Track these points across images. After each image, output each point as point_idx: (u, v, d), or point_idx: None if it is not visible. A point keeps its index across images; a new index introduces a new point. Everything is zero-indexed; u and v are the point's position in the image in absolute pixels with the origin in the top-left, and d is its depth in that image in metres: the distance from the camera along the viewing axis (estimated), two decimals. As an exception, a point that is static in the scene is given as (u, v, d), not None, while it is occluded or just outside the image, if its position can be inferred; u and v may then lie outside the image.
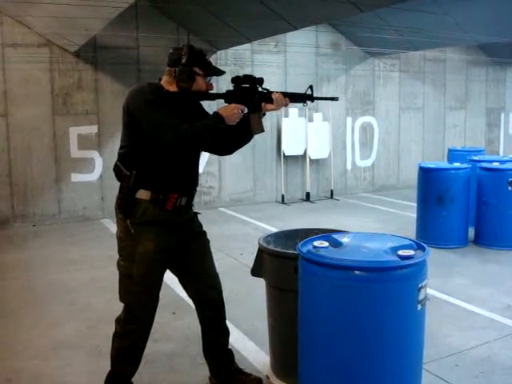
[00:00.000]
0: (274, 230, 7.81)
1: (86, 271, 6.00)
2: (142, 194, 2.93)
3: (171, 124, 2.83)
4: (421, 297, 2.69)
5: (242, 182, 9.77)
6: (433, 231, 6.75)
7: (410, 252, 2.75)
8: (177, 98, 2.99)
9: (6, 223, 8.24)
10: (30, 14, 7.39)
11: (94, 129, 8.74)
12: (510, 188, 6.46)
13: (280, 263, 3.26)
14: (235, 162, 9.65)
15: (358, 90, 10.77)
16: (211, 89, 3.10)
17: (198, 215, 3.32)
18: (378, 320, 2.62)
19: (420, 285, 2.69)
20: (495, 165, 6.84)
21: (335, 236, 3.07)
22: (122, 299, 3.05)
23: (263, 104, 3.18)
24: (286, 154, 9.92)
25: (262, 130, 3.24)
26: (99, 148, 8.78)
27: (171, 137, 2.82)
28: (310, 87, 3.39)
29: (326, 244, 2.94)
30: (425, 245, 2.91)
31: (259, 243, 3.49)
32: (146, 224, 2.93)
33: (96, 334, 4.29)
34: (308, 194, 10.19)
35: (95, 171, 8.80)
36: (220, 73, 3.12)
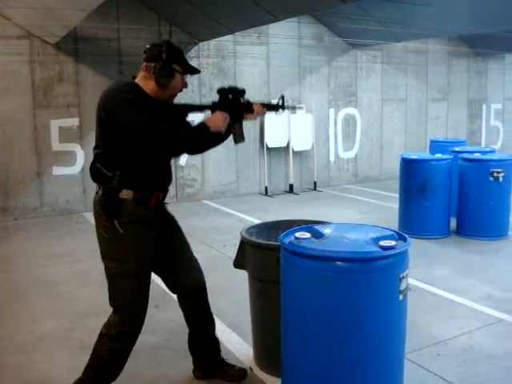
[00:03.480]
0: (258, 221, 7.84)
1: (69, 265, 5.96)
2: (126, 194, 2.88)
3: (154, 125, 2.79)
4: (402, 287, 2.71)
5: (225, 175, 9.75)
6: (415, 222, 6.80)
7: (392, 242, 2.76)
8: (163, 107, 2.98)
9: (-14, 217, 8.16)
10: (9, 6, 7.29)
11: (75, 121, 8.66)
12: (491, 178, 6.52)
13: (262, 255, 3.26)
14: (218, 155, 9.61)
15: (340, 82, 10.78)
16: (186, 87, 3.08)
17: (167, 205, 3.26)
18: (360, 310, 2.63)
19: (401, 275, 2.70)
20: (477, 156, 6.89)
21: (317, 227, 3.08)
22: (113, 302, 3.00)
23: (244, 114, 3.25)
24: (269, 145, 9.91)
25: (244, 139, 3.35)
26: (81, 141, 8.70)
27: (153, 138, 2.79)
28: (282, 97, 3.52)
29: (308, 235, 2.94)
30: (406, 235, 2.92)
31: (241, 235, 3.48)
32: (133, 223, 2.90)
33: (80, 327, 4.27)
34: (291, 186, 10.21)
35: (77, 164, 8.72)
36: (196, 71, 3.12)
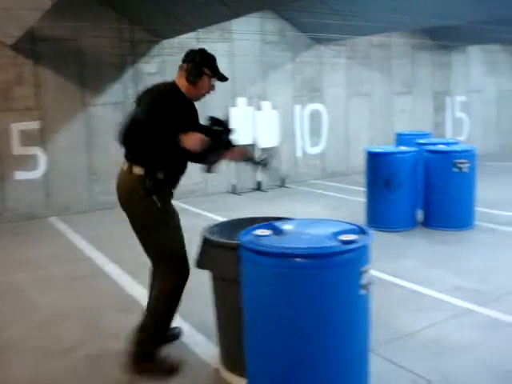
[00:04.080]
0: (223, 220, 7.77)
1: (32, 271, 5.79)
2: (160, 175, 3.34)
3: (144, 111, 3.21)
4: (364, 281, 2.67)
5: (192, 174, 9.55)
6: (382, 215, 6.82)
7: (352, 237, 2.72)
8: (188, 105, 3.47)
9: None
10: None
11: (36, 124, 8.46)
12: (455, 169, 6.56)
13: (223, 254, 3.19)
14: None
15: (305, 78, 10.76)
16: (213, 90, 3.51)
17: None
18: (321, 306, 2.59)
19: (362, 269, 2.66)
20: (440, 147, 6.93)
21: (277, 224, 3.03)
22: (162, 254, 3.43)
23: (224, 151, 3.57)
24: (235, 143, 9.81)
25: (216, 172, 3.69)
26: (43, 144, 8.51)
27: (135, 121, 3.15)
28: (265, 159, 4.09)
29: (268, 232, 2.89)
30: (367, 228, 2.88)
31: (202, 234, 3.41)
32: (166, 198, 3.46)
33: (44, 334, 4.16)
34: (259, 183, 10.16)
35: (39, 168, 8.52)
36: (224, 79, 3.51)
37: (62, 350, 3.85)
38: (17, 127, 8.32)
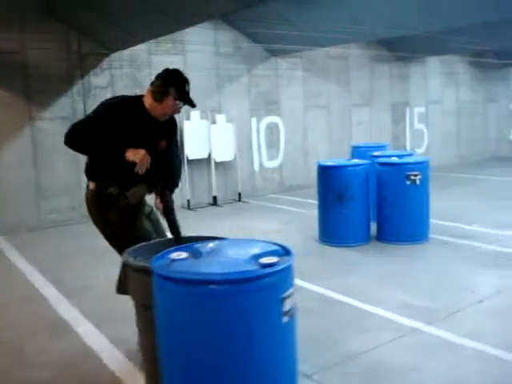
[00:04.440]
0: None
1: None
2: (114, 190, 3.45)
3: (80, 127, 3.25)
4: (286, 308, 2.45)
5: (145, 189, 9.34)
6: (334, 230, 6.64)
7: (273, 259, 2.50)
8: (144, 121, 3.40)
9: None
10: None
11: (-23, 140, 8.09)
12: (407, 182, 6.43)
13: (142, 278, 2.94)
14: (137, 169, 9.23)
15: (261, 90, 10.59)
16: (177, 113, 3.46)
17: None
18: (239, 336, 2.37)
19: (284, 295, 2.44)
20: (393, 159, 6.80)
21: (197, 246, 2.81)
22: (128, 241, 3.33)
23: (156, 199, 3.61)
24: (190, 157, 9.59)
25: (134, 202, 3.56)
26: (-15, 158, 8.15)
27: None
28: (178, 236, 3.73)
29: (184, 255, 2.66)
30: (290, 249, 2.67)
31: (122, 256, 3.17)
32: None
33: None
34: (215, 198, 9.92)
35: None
36: (191, 104, 3.46)
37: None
38: (-43, 144, 7.96)
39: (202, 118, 9.65)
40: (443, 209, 7.84)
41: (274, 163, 10.91)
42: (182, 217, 8.84)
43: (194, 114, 9.58)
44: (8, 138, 8.29)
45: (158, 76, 3.38)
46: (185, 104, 3.43)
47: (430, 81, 13.93)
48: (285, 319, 2.45)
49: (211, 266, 2.49)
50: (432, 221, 6.83)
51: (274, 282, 2.41)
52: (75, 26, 8.43)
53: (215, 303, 2.35)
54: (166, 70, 3.42)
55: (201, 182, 9.93)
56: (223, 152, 9.95)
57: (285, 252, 2.67)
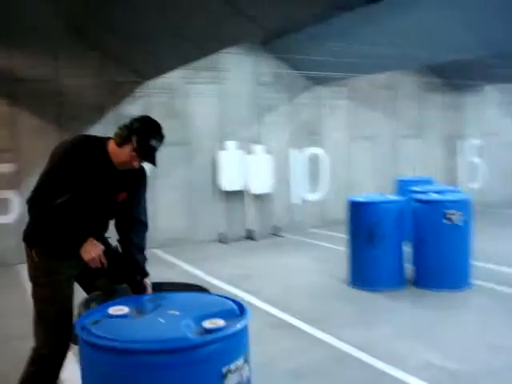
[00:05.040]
0: (198, 273, 7.13)
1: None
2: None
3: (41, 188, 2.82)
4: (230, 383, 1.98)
5: (178, 221, 9.06)
6: (364, 272, 6.07)
7: (219, 323, 2.05)
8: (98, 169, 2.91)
9: None
10: None
11: (10, 167, 8.04)
12: (444, 221, 5.80)
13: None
14: (170, 199, 8.97)
15: (303, 120, 10.16)
16: (133, 167, 2.90)
17: None
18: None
19: (226, 368, 1.98)
20: (430, 196, 6.19)
21: (146, 298, 2.41)
22: (38, 318, 2.92)
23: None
24: (224, 189, 9.24)
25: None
26: (17, 187, 8.06)
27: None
28: None
29: (124, 311, 2.25)
30: (247, 309, 2.21)
31: (79, 305, 2.79)
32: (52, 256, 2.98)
33: None
34: (250, 232, 9.49)
35: (12, 212, 8.06)
36: (148, 159, 2.86)
37: None
38: (-8, 169, 7.93)
39: (238, 148, 9.31)
40: (493, 251, 7.11)
41: (315, 196, 10.40)
42: (214, 251, 8.64)
43: (230, 144, 9.26)
44: (39, 165, 8.13)
45: (133, 119, 2.89)
46: (140, 158, 2.84)
47: (486, 111, 13.08)
48: (226, 398, 1.98)
49: (143, 330, 2.07)
50: (478, 264, 6.16)
51: (212, 352, 1.97)
52: (109, 54, 8.34)
53: (136, 377, 1.92)
54: (143, 116, 2.92)
55: (235, 214, 9.53)
56: (260, 184, 9.55)
57: (239, 313, 2.20)
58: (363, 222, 6.03)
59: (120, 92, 8.61)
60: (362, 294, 5.90)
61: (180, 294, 2.61)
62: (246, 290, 6.19)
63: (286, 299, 5.80)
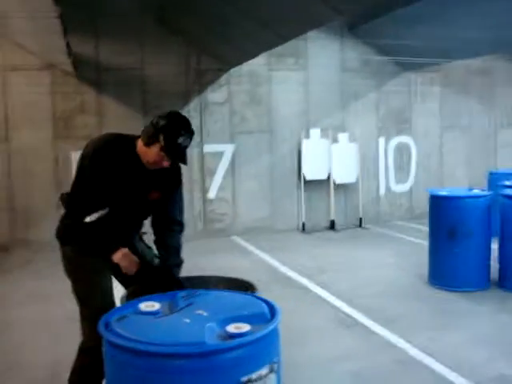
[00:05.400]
0: (273, 262, 7.05)
1: (41, 307, 5.44)
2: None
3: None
4: (248, 395, 1.87)
5: (258, 209, 9.01)
6: (444, 271, 5.70)
7: (244, 328, 1.94)
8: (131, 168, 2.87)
9: (6, 249, 7.94)
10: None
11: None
12: (535, 220, 5.33)
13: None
14: (251, 188, 8.94)
15: (391, 108, 9.74)
16: (161, 166, 2.79)
17: None
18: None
19: (246, 378, 1.86)
20: (521, 191, 5.71)
21: (181, 295, 2.33)
22: (81, 313, 2.95)
23: None
24: (307, 178, 9.07)
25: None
26: (103, 173, 8.35)
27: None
28: None
29: (156, 307, 2.19)
30: (278, 315, 2.08)
31: (121, 298, 2.79)
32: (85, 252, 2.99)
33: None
34: (332, 222, 9.27)
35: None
36: (177, 158, 2.75)
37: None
38: (77, 156, 8.19)
39: (322, 136, 9.10)
40: None
41: (403, 188, 9.98)
42: (293, 241, 8.51)
43: (314, 132, 9.06)
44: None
45: (158, 116, 2.76)
46: (170, 158, 2.74)
47: None
48: (245, 410, 1.87)
49: (163, 330, 1.99)
50: None
51: (230, 359, 1.86)
52: (194, 42, 8.39)
53: (154, 378, 1.85)
54: (170, 113, 2.79)
55: (318, 204, 9.34)
56: (344, 173, 9.29)
57: (269, 317, 2.08)
58: (444, 218, 5.67)
59: (204, 79, 8.65)
60: (441, 294, 5.56)
61: (217, 292, 2.52)
62: (319, 283, 6.04)
63: (359, 295, 5.59)
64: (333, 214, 9.28)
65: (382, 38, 8.66)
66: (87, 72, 8.12)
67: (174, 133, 2.68)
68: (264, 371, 1.93)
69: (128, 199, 2.86)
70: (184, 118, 2.78)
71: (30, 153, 8.06)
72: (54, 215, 8.18)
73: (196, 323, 2.01)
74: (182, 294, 2.34)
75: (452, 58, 8.88)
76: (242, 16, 6.14)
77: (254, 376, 1.89)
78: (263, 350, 1.94)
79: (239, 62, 8.30)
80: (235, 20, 6.34)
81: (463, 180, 9.96)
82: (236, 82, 8.81)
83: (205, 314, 2.10)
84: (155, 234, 3.00)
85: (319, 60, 9.11)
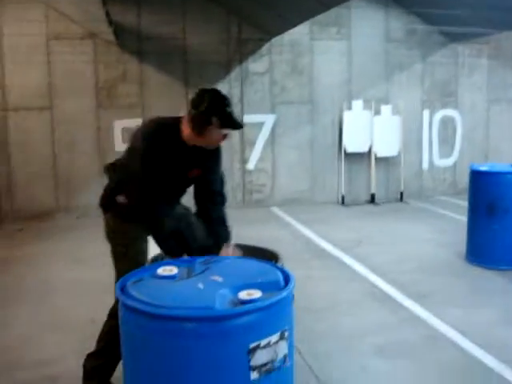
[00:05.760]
0: (309, 235, 7.04)
1: (84, 271, 5.61)
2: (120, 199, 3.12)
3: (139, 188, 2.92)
4: (257, 361, 1.89)
5: (298, 181, 8.97)
6: (482, 248, 5.57)
7: (255, 294, 1.95)
8: (183, 151, 2.97)
9: (50, 215, 8.20)
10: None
11: (138, 122, 8.38)
12: None
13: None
14: (291, 159, 8.90)
15: (437, 80, 9.45)
16: (226, 139, 2.95)
17: None
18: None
19: (253, 344, 1.88)
20: None
21: (199, 261, 2.35)
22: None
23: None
24: (348, 150, 8.96)
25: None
26: (145, 142, 8.46)
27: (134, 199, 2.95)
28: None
29: (173, 271, 2.23)
30: (292, 283, 2.08)
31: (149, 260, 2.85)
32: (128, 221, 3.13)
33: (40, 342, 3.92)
34: (373, 196, 9.15)
35: (140, 165, 8.49)
36: (238, 127, 2.94)
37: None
38: (120, 124, 8.36)
39: (364, 108, 8.94)
40: None
41: (447, 162, 9.73)
42: (332, 213, 8.47)
43: (357, 103, 8.92)
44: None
45: (194, 104, 2.82)
46: (233, 129, 2.93)
47: None
48: (254, 375, 1.89)
49: (176, 294, 2.02)
50: None
51: (238, 325, 1.87)
52: (235, 11, 8.32)
53: (164, 341, 1.89)
54: (200, 96, 2.83)
55: (359, 177, 9.23)
56: (386, 146, 9.12)
57: (283, 285, 2.08)
58: (483, 193, 5.51)
59: (245, 49, 8.60)
60: (477, 271, 5.45)
61: (235, 259, 2.54)
62: (355, 257, 6.00)
63: (394, 269, 5.53)
64: (373, 187, 9.16)
65: (427, 7, 8.37)
66: (129, 41, 8.19)
67: (223, 107, 2.80)
68: (274, 338, 1.94)
69: (171, 178, 2.97)
70: (214, 89, 2.89)
71: (73, 121, 8.23)
72: (96, 182, 8.48)
73: (210, 289, 2.03)
74: (201, 260, 2.37)
75: (502, 29, 8.51)
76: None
77: (263, 342, 1.90)
78: (273, 316, 1.95)
79: (280, 32, 8.20)
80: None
81: (509, 155, 9.61)
82: (277, 51, 8.72)
83: (220, 279, 2.12)
84: (198, 207, 3.12)
85: (363, 30, 8.90)
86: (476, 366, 3.54)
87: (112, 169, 3.20)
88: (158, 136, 2.93)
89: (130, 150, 3.05)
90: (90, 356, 3.06)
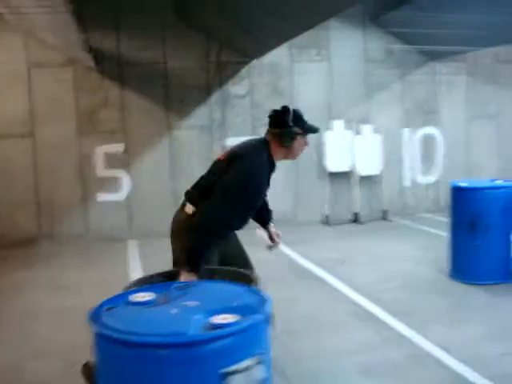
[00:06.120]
0: (292, 255, 7.02)
1: (67, 298, 5.55)
2: None
3: (222, 208, 3.04)
4: (230, 386, 1.86)
5: (282, 201, 8.93)
6: (465, 264, 5.59)
7: (228, 318, 1.93)
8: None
9: (33, 242, 8.11)
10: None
11: (120, 147, 8.43)
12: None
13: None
14: (273, 179, 8.87)
15: (416, 98, 9.56)
16: (308, 145, 3.35)
17: None
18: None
19: (227, 369, 1.85)
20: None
21: (176, 286, 2.33)
22: None
23: None
24: (331, 170, 9.00)
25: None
26: (126, 166, 8.45)
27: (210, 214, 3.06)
28: None
29: (148, 297, 2.20)
30: (268, 307, 2.06)
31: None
32: None
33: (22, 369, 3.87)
34: (356, 215, 9.18)
35: (122, 191, 8.47)
36: (316, 130, 3.32)
37: None
38: (101, 150, 8.36)
39: (345, 128, 9.01)
40: None
41: (429, 179, 9.80)
42: (315, 233, 8.46)
43: (338, 123, 8.98)
44: (147, 146, 8.56)
45: (277, 123, 3.18)
46: (314, 133, 3.32)
47: None
48: (225, 402, 1.85)
49: (148, 321, 2.00)
50: None
51: (211, 350, 1.84)
52: (214, 36, 8.39)
53: (138, 368, 1.86)
54: (281, 114, 3.19)
55: (341, 196, 9.25)
56: (369, 165, 9.18)
57: (259, 307, 2.06)
58: (465, 210, 5.56)
59: (224, 73, 8.65)
60: (461, 287, 5.46)
61: (213, 283, 2.53)
62: (337, 276, 6.00)
63: (378, 288, 5.53)
64: (357, 206, 9.19)
65: (405, 27, 8.50)
66: (109, 67, 8.23)
67: (301, 119, 3.21)
68: (250, 363, 1.91)
69: (262, 199, 3.46)
70: (286, 106, 3.24)
71: (55, 148, 8.22)
72: (78, 209, 8.43)
73: (184, 314, 2.01)
74: (178, 285, 2.35)
75: (478, 46, 8.65)
76: (263, 8, 6.09)
77: (238, 367, 1.88)
78: (248, 340, 1.93)
79: (259, 55, 8.28)
80: (257, 13, 6.30)
81: (492, 171, 9.71)
82: (257, 74, 8.79)
83: (196, 304, 2.10)
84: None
85: (342, 51, 9.01)
86: (461, 383, 3.53)
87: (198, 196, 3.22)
88: (264, 165, 3.16)
89: (239, 181, 3.08)
90: None
